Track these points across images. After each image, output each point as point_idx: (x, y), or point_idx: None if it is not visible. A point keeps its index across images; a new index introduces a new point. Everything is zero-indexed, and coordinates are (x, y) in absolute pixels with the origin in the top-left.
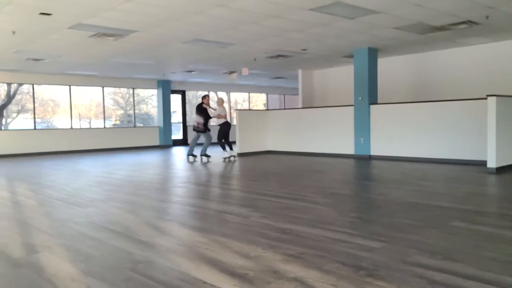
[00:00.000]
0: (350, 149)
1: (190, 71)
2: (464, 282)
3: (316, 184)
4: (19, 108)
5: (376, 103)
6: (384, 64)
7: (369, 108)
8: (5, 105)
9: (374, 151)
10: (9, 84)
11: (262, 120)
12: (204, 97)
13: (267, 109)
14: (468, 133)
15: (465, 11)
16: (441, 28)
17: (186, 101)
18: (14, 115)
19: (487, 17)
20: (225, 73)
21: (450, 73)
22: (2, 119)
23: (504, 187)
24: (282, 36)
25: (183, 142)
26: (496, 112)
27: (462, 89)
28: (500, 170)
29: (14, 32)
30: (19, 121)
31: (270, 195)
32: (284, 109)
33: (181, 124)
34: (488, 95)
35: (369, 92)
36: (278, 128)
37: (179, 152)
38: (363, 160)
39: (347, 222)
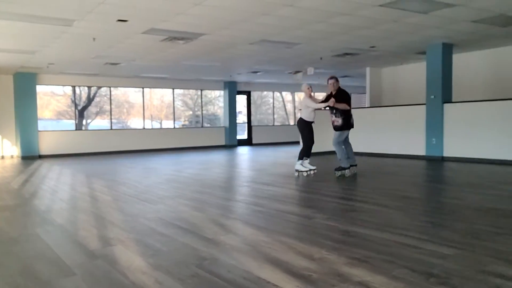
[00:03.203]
0: (421, 150)
1: (255, 72)
2: None
3: (384, 186)
4: (98, 109)
5: (451, 102)
6: (460, 60)
7: (442, 107)
8: (85, 107)
9: (447, 152)
10: (89, 87)
11: (326, 119)
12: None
13: None
14: None
15: None
16: None
17: (251, 101)
18: (93, 116)
19: None
20: (290, 73)
21: None
22: (82, 120)
23: None
24: (350, 33)
25: (247, 142)
26: None
27: None
28: None
29: (94, 39)
30: (97, 122)
31: (335, 196)
32: (350, 108)
33: (246, 125)
34: None
35: (442, 90)
36: None
37: (243, 152)
38: (435, 162)
39: (418, 227)
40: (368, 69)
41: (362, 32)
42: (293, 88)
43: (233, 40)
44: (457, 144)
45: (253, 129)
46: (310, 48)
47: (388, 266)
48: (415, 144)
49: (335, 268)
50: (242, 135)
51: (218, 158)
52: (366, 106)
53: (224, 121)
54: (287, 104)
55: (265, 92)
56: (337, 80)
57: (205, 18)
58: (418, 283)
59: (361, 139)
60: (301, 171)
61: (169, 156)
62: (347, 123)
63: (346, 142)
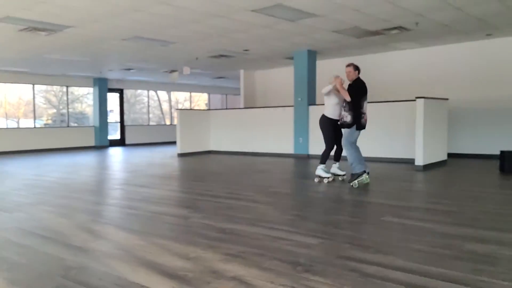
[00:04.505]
0: (290, 149)
1: (128, 69)
2: (393, 274)
3: (257, 183)
4: None
5: (315, 104)
6: (323, 66)
7: (308, 108)
8: None
9: (312, 150)
10: None
11: (203, 120)
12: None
13: (209, 109)
14: (398, 133)
15: (397, 17)
16: (376, 33)
17: (124, 100)
18: None
19: (417, 23)
20: (166, 71)
21: (383, 76)
22: None
23: (430, 183)
24: (225, 36)
25: (120, 142)
26: (424, 113)
27: (394, 91)
28: (427, 167)
29: None
30: None
31: (211, 195)
32: (226, 109)
33: (119, 124)
34: (416, 97)
35: (308, 93)
36: (220, 128)
37: (116, 153)
38: (302, 159)
39: (287, 220)
40: (242, 72)
41: (236, 35)
42: (169, 87)
43: (104, 34)
44: (320, 142)
45: (126, 128)
46: (186, 48)
47: (259, 259)
48: (285, 143)
49: (210, 266)
50: (114, 135)
51: (87, 159)
52: (241, 107)
53: (93, 120)
54: (163, 103)
55: (139, 91)
56: (355, 69)
57: (72, 9)
58: (286, 272)
59: (235, 139)
60: (323, 177)
61: (28, 158)
62: (357, 121)
63: None
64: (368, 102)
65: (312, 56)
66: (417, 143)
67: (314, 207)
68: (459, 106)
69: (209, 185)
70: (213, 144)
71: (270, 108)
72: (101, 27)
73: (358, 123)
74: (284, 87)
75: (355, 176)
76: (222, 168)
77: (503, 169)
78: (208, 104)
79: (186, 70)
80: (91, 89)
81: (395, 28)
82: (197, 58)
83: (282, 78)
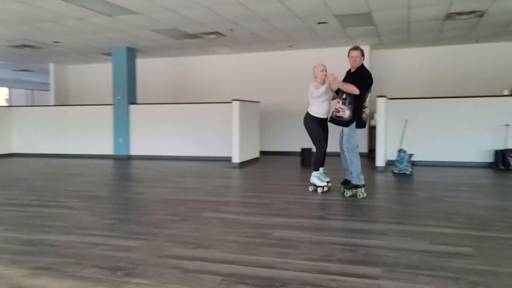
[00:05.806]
0: (109, 150)
1: None
2: (212, 266)
3: (71, 188)
4: None
5: (135, 103)
6: (143, 64)
7: (128, 107)
8: None
9: (133, 151)
10: None
11: (3, 118)
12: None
13: (11, 106)
14: (216, 133)
15: (214, 22)
16: (194, 36)
17: None
18: None
19: (231, 30)
20: None
21: (202, 78)
22: None
23: (245, 179)
24: (29, 24)
25: None
26: (239, 114)
27: (212, 93)
28: (242, 164)
29: None
30: None
31: (15, 204)
32: (33, 106)
33: None
34: (233, 100)
35: (128, 92)
36: (26, 127)
37: None
38: (123, 160)
39: (105, 225)
40: (51, 65)
41: (43, 24)
42: None
43: None
44: (142, 142)
45: None
46: None
47: (74, 268)
48: (103, 143)
49: (13, 283)
50: None
51: None
52: (51, 104)
53: None
54: None
55: None
56: (362, 54)
57: None
58: (105, 279)
59: (43, 140)
60: (318, 186)
61: None
62: (357, 117)
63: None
64: (186, 104)
65: (131, 53)
66: (233, 142)
67: (135, 209)
68: (268, 108)
69: (12, 192)
70: (16, 145)
71: (86, 106)
72: None
73: (359, 119)
74: (102, 84)
75: (350, 185)
76: (29, 173)
77: (303, 164)
78: (9, 100)
79: None
80: None
81: (212, 33)
82: None
83: (100, 75)
